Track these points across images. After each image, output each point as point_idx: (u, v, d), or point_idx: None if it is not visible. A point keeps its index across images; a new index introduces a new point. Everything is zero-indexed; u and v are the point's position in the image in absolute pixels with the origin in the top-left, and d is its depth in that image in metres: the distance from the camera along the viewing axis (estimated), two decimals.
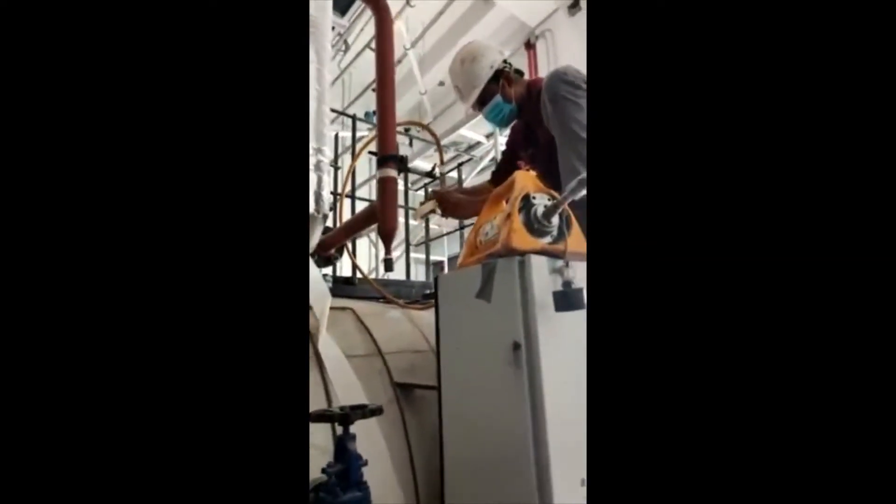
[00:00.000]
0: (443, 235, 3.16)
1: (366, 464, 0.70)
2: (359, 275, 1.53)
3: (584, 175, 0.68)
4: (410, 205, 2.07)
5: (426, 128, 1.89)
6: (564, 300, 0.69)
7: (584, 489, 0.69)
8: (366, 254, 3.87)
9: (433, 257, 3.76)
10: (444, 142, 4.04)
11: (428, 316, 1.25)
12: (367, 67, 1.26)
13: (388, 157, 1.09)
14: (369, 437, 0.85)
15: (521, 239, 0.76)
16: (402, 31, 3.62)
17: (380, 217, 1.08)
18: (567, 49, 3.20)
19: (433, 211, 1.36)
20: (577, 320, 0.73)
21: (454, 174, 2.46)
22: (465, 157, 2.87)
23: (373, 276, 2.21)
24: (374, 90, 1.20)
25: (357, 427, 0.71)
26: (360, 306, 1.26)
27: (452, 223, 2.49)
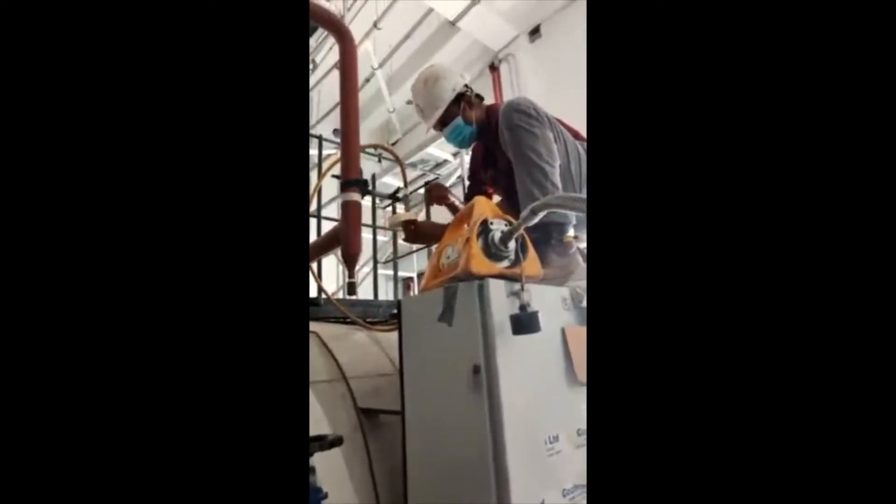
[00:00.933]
0: (412, 252, 3.17)
1: (326, 496, 0.69)
2: (324, 296, 1.51)
3: (536, 203, 0.72)
4: (378, 223, 2.06)
5: (389, 150, 1.92)
6: (520, 323, 0.71)
7: None
8: (333, 272, 3.81)
9: (403, 273, 3.75)
10: (412, 159, 4.09)
11: (395, 337, 1.24)
12: (336, 84, 1.26)
13: (351, 182, 1.10)
14: (331, 467, 0.83)
15: (480, 264, 0.79)
16: (369, 52, 3.67)
17: (343, 241, 1.09)
18: (528, 72, 3.35)
19: (406, 223, 1.36)
20: (535, 342, 0.75)
21: (422, 191, 2.49)
22: (432, 176, 2.91)
23: (340, 295, 2.17)
24: None
25: (317, 457, 0.70)
26: (323, 329, 1.24)
27: None
